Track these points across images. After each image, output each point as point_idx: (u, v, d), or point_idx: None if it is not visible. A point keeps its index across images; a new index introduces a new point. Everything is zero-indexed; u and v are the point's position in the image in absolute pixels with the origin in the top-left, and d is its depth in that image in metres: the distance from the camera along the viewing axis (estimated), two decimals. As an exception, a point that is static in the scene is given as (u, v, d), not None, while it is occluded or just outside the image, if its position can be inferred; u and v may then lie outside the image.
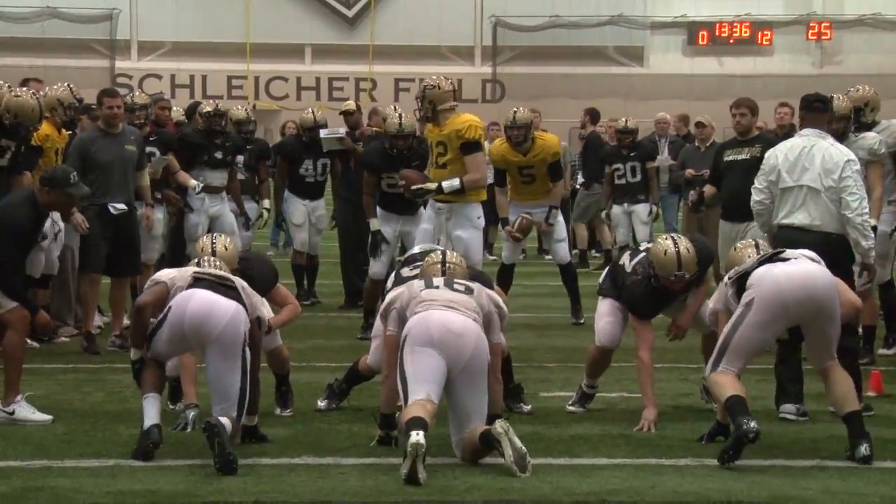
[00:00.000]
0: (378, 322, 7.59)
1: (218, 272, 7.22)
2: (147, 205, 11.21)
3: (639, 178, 15.24)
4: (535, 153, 11.74)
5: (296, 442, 7.31)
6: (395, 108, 11.79)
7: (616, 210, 15.42)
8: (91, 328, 10.58)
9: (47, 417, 7.79)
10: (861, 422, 7.06)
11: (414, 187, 10.17)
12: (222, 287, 7.06)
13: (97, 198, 10.38)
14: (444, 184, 10.03)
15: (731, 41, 38.72)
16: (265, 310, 7.58)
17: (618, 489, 6.37)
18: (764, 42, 38.67)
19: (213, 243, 7.77)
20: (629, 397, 8.66)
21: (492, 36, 38.89)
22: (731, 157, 10.93)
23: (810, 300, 7.06)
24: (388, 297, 7.34)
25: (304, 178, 13.29)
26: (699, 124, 14.76)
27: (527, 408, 8.18)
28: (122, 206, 10.65)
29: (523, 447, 6.65)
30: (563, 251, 12.15)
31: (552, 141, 12.13)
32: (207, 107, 13.32)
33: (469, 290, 7.17)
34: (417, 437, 6.38)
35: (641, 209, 15.17)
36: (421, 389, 6.77)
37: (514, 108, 12.07)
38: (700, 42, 38.78)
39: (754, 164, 10.80)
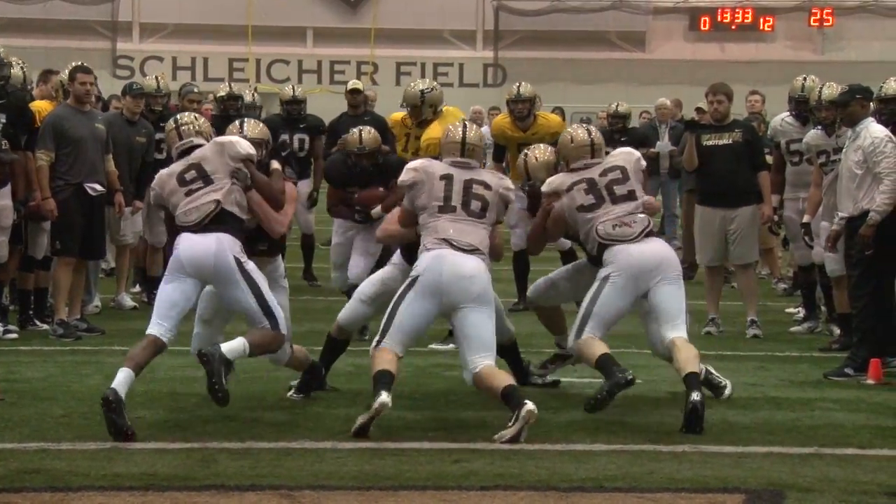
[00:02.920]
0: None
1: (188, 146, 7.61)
2: (116, 190, 11.09)
3: None
4: (535, 131, 11.52)
5: (293, 426, 7.31)
6: (359, 129, 10.73)
7: None
8: (63, 315, 10.39)
9: None
10: (698, 378, 7.49)
11: (373, 212, 10.31)
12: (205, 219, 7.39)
13: (73, 177, 10.36)
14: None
15: (733, 27, 38.63)
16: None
17: (615, 475, 6.37)
18: (766, 28, 38.59)
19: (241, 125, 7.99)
20: (627, 383, 8.64)
21: (494, 20, 38.82)
22: (711, 143, 10.94)
23: (657, 270, 7.77)
24: (409, 170, 7.62)
25: (282, 151, 13.21)
26: (699, 110, 14.74)
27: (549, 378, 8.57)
28: (99, 187, 10.56)
29: (523, 437, 6.94)
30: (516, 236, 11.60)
31: (554, 120, 11.99)
32: (221, 91, 13.33)
33: (483, 210, 7.48)
34: (386, 398, 6.95)
35: None
36: (397, 338, 7.26)
37: (518, 83, 11.96)
38: (702, 28, 38.70)
39: (738, 150, 10.88)
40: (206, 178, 7.40)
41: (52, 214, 10.24)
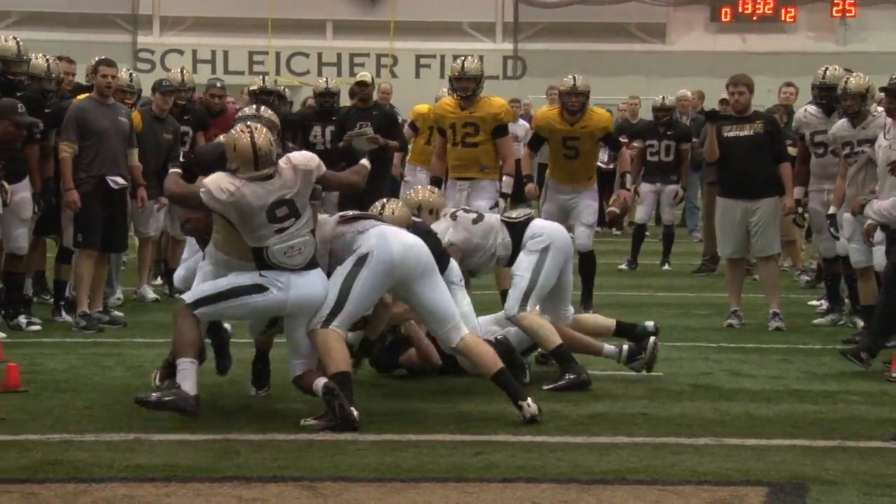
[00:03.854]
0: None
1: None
2: (139, 185, 11.10)
3: (671, 157, 15.18)
4: (584, 125, 11.02)
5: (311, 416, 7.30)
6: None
7: (646, 187, 15.38)
8: (85, 307, 10.42)
9: None
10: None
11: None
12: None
13: (95, 169, 10.39)
14: (505, 189, 10.95)
15: (755, 18, 38.42)
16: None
17: (637, 468, 6.35)
18: (787, 19, 38.38)
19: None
20: (648, 376, 8.63)
21: (513, 12, 38.74)
22: (732, 134, 10.90)
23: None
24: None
25: (314, 145, 13.23)
26: (723, 101, 14.69)
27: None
28: (121, 180, 10.59)
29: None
30: (585, 237, 11.21)
31: (603, 115, 11.41)
32: (254, 84, 13.37)
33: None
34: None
35: (670, 191, 15.12)
36: (347, 320, 7.19)
37: (574, 75, 11.12)
38: (723, 19, 38.53)
39: (759, 141, 10.84)
40: (296, 213, 7.11)
41: (74, 206, 10.27)
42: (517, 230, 8.52)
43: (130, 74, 11.91)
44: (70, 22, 35.95)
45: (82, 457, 6.40)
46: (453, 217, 8.59)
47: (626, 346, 8.62)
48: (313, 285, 7.14)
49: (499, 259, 8.57)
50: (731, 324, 10.97)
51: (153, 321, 10.75)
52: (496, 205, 10.95)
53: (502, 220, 8.68)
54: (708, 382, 8.56)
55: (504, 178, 11.12)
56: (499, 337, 8.31)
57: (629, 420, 7.38)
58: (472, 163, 10.99)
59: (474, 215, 8.66)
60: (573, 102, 10.97)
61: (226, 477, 6.12)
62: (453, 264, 8.21)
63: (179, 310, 7.08)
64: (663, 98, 15.40)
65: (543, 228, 8.58)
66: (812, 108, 11.21)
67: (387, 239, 7.24)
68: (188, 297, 7.14)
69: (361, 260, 7.19)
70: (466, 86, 10.94)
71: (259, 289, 7.07)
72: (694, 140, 16.12)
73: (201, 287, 7.25)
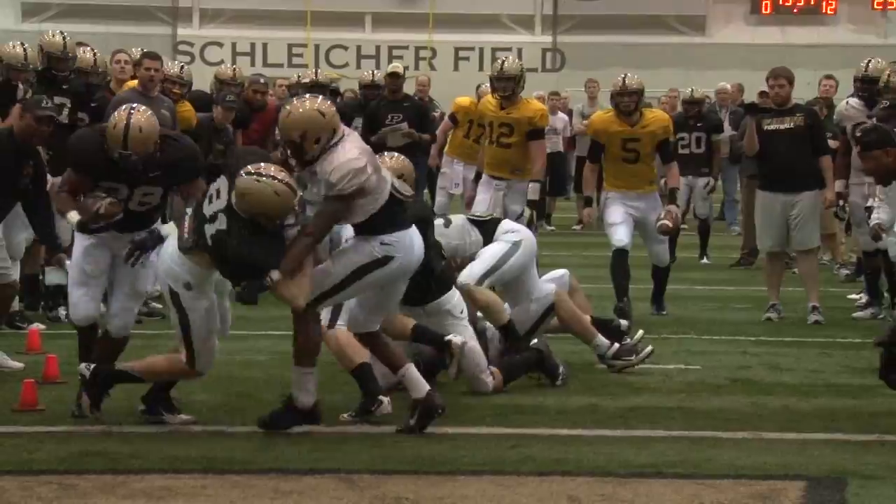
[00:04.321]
0: None
1: None
2: None
3: (703, 149, 15.10)
4: (644, 125, 10.56)
5: (349, 410, 7.30)
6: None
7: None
8: None
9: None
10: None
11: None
12: None
13: None
14: (532, 196, 10.74)
15: (795, 10, 38.18)
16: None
17: (674, 461, 6.33)
18: (828, 11, 38.11)
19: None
20: (686, 369, 8.61)
21: (552, 4, 38.65)
22: (772, 127, 10.83)
23: None
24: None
25: None
26: (762, 93, 14.61)
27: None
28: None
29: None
30: (663, 252, 10.88)
31: (663, 115, 11.20)
32: (305, 78, 13.37)
33: None
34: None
35: (703, 183, 15.05)
36: (338, 308, 7.13)
37: (624, 74, 10.74)
38: (763, 11, 38.30)
39: (799, 134, 10.76)
40: None
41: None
42: (487, 228, 8.54)
43: (182, 66, 11.96)
44: (110, 14, 36.11)
45: (120, 448, 6.43)
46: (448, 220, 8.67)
47: (616, 345, 8.55)
48: (418, 244, 6.97)
49: (472, 257, 8.44)
50: (769, 317, 10.91)
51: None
52: (523, 213, 10.76)
53: (469, 219, 8.70)
54: (746, 376, 8.52)
55: (531, 184, 10.80)
56: (536, 345, 8.25)
57: (667, 413, 7.36)
58: (503, 163, 10.85)
59: (442, 220, 8.58)
60: (626, 103, 10.49)
61: (262, 469, 6.14)
62: (457, 297, 7.91)
63: (300, 317, 6.80)
64: (692, 91, 15.34)
65: (516, 227, 8.75)
66: (854, 101, 11.14)
67: (413, 250, 6.91)
68: (302, 300, 6.74)
69: (382, 262, 6.81)
70: (506, 85, 10.76)
71: (384, 261, 6.82)
72: (733, 133, 16.03)
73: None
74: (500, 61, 10.97)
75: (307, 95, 7.11)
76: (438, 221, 8.50)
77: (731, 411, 7.41)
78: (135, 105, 7.17)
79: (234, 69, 12.91)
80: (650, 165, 10.76)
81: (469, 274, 8.24)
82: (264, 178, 6.52)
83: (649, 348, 8.57)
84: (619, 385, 8.15)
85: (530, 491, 5.82)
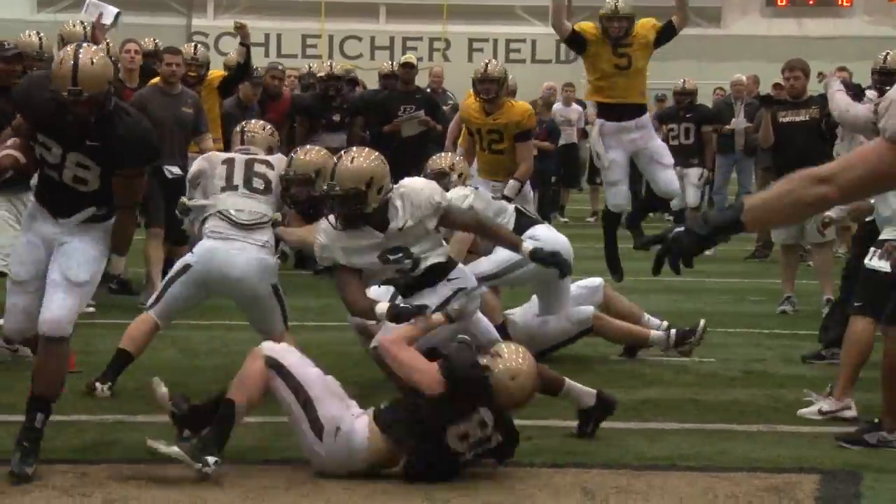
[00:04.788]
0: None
1: None
2: None
3: (692, 140, 15.11)
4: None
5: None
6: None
7: None
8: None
9: None
10: None
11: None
12: None
13: None
14: (508, 193, 9.83)
15: (811, 2, 38.12)
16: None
17: (687, 454, 6.32)
18: (844, 3, 38.01)
19: None
20: (700, 362, 8.60)
21: (567, -5, 38.69)
22: (787, 120, 10.82)
23: None
24: (194, 169, 7.81)
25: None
26: (777, 86, 14.58)
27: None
28: (177, 170, 10.54)
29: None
30: (671, 177, 10.32)
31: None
32: (321, 71, 13.40)
33: (267, 189, 7.54)
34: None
35: (693, 173, 15.04)
36: (165, 313, 7.66)
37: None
38: (779, 3, 38.22)
39: (814, 126, 10.75)
40: None
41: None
42: (524, 222, 8.49)
43: (195, 46, 11.94)
44: (125, 4, 35.99)
45: (135, 437, 6.44)
46: (475, 188, 8.69)
47: (674, 331, 8.56)
48: None
49: (487, 251, 8.42)
50: (784, 310, 10.89)
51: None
52: None
53: (517, 209, 8.74)
54: (760, 369, 8.52)
55: (511, 181, 10.23)
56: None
57: (680, 406, 7.35)
58: (499, 168, 10.49)
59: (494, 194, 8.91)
60: (615, 28, 10.04)
61: (277, 459, 6.15)
62: (489, 327, 7.38)
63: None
64: (684, 81, 15.38)
65: (546, 236, 8.24)
66: (871, 94, 11.09)
67: (211, 259, 7.52)
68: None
69: (185, 268, 7.60)
70: (489, 87, 10.31)
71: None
72: (748, 125, 16.01)
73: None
74: (483, 63, 10.69)
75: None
76: (488, 193, 8.86)
77: (746, 404, 7.41)
78: (84, 43, 6.30)
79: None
80: (643, 75, 10.53)
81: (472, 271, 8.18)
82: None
83: (703, 322, 8.59)
84: (633, 377, 8.15)
85: (543, 483, 5.82)
